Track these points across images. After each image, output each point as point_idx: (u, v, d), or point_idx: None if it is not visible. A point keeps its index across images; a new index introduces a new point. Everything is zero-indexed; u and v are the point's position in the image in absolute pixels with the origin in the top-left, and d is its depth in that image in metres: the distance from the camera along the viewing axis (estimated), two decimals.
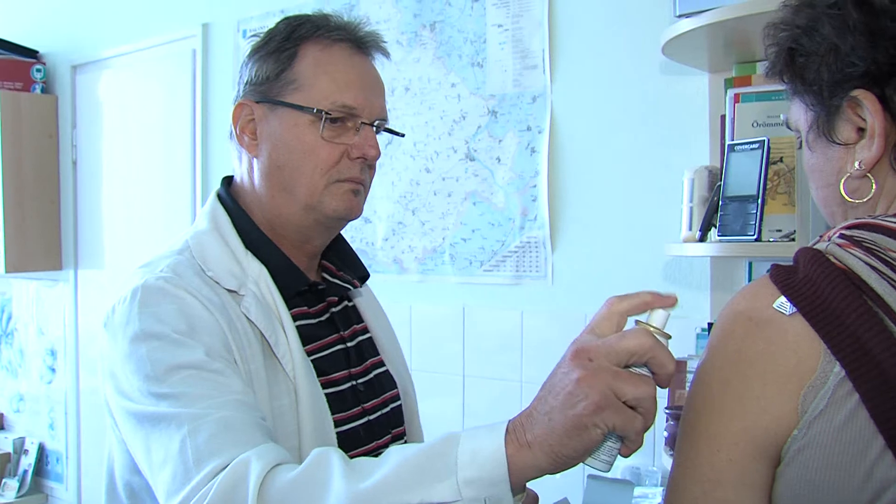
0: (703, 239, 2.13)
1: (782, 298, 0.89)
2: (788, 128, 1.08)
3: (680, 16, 2.10)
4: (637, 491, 2.39)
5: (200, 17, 3.76)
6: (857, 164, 0.96)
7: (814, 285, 0.88)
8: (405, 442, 1.48)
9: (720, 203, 2.04)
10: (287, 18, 1.41)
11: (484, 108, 2.85)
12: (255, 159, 1.38)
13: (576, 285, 2.67)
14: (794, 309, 0.88)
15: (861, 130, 0.96)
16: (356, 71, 1.38)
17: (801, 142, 1.05)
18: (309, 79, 1.34)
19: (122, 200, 4.17)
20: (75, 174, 4.41)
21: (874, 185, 0.96)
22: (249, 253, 1.36)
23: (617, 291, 2.39)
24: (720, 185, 2.07)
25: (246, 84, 1.39)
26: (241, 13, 3.57)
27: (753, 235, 1.93)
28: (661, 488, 2.36)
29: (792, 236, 1.89)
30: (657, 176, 2.48)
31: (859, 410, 0.83)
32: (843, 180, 0.98)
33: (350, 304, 1.54)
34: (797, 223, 1.85)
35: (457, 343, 2.92)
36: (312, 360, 1.36)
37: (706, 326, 2.28)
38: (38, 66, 4.45)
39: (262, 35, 1.41)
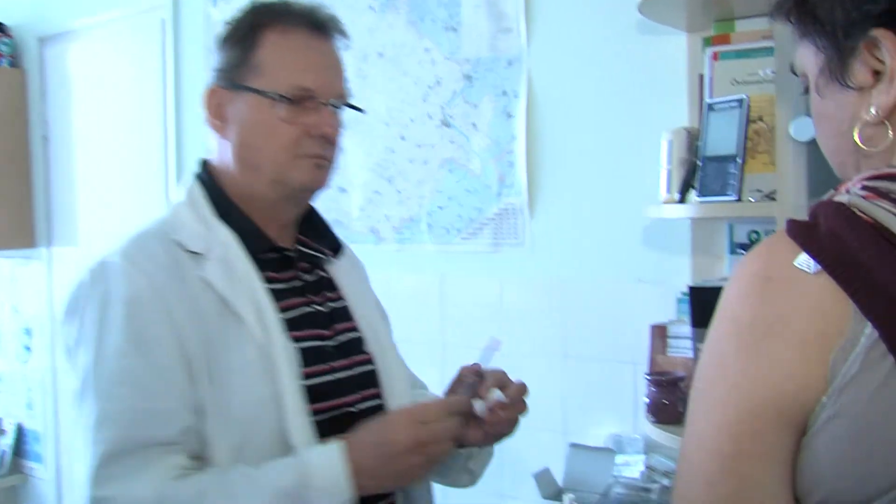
0: (682, 201, 2.09)
1: (804, 255, 0.82)
2: (794, 73, 1.01)
3: None
4: (619, 459, 2.37)
5: None
6: (872, 110, 0.89)
7: (839, 240, 0.81)
8: (380, 403, 1.55)
9: (699, 163, 2.00)
10: (251, 5, 1.52)
11: (459, 73, 2.79)
12: (226, 140, 1.50)
13: (555, 252, 2.63)
14: (819, 266, 0.81)
15: (877, 74, 0.89)
16: (314, 54, 1.49)
17: (806, 87, 0.98)
18: (269, 64, 1.46)
19: (96, 176, 4.10)
20: (46, 150, 4.33)
21: (891, 132, 0.90)
22: (220, 220, 1.47)
23: (596, 257, 2.38)
24: (699, 146, 2.03)
25: (215, 70, 1.51)
26: None
27: (734, 196, 1.89)
28: (643, 456, 2.34)
29: (773, 196, 1.85)
30: (636, 138, 2.44)
31: (894, 375, 0.77)
32: (857, 128, 0.91)
33: (325, 274, 1.60)
34: (778, 182, 1.81)
35: (435, 312, 2.88)
36: (284, 318, 1.44)
37: (686, 290, 2.24)
38: (4, 40, 4.35)
39: (228, 23, 1.53)
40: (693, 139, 2.11)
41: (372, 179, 3.00)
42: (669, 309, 2.31)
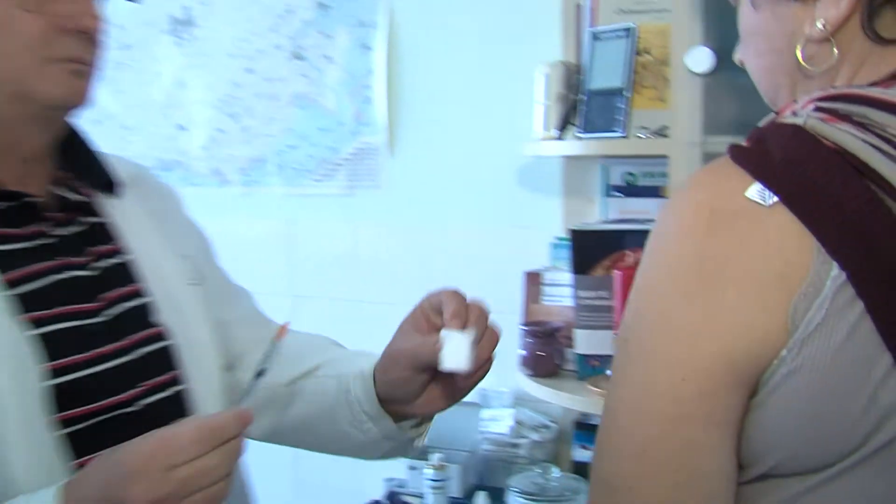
0: (561, 138, 1.96)
1: (757, 185, 0.71)
2: None
3: None
4: (485, 413, 2.26)
5: None
6: (818, 25, 0.79)
7: (799, 168, 0.71)
8: (177, 391, 1.14)
9: (582, 98, 1.86)
10: None
11: (311, 1, 2.57)
12: None
13: (416, 194, 2.47)
14: (775, 197, 0.70)
15: None
16: None
17: None
18: None
19: None
20: None
21: (836, 50, 0.79)
22: None
23: (463, 200, 2.18)
24: (580, 79, 1.90)
25: None
26: None
27: (621, 131, 1.77)
28: (512, 410, 2.22)
29: (663, 132, 1.73)
30: (506, 73, 2.29)
31: (863, 322, 0.68)
32: (799, 44, 0.80)
33: (101, 220, 1.18)
34: (671, 118, 1.69)
35: (284, 261, 2.69)
36: (14, 294, 1.03)
37: (561, 235, 2.12)
38: None
39: None
40: (571, 73, 1.97)
41: (215, 116, 2.74)
42: (541, 256, 2.19)
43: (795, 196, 0.70)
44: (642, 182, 2.08)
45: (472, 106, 2.37)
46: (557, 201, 2.23)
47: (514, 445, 2.18)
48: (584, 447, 2.15)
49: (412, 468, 2.20)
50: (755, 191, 0.71)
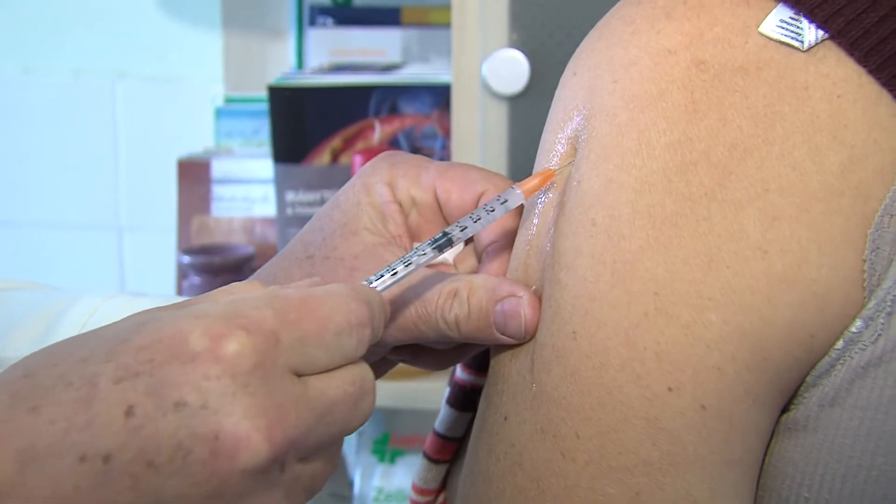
0: None
1: (782, 10, 0.43)
2: None
3: None
4: None
5: None
6: None
7: None
8: None
9: None
10: None
11: None
12: None
13: None
14: (821, 32, 0.43)
15: None
16: None
17: None
18: None
19: None
20: None
21: None
22: None
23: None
24: None
25: None
26: None
27: None
28: None
29: None
30: None
31: None
32: None
33: None
34: None
35: None
36: None
37: (231, 96, 1.40)
38: None
39: None
40: None
41: None
42: (199, 130, 1.43)
43: (862, 29, 0.44)
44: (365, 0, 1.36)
45: None
46: (215, 37, 1.48)
47: None
48: None
49: None
50: (778, 21, 0.45)
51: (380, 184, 0.51)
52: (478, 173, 0.52)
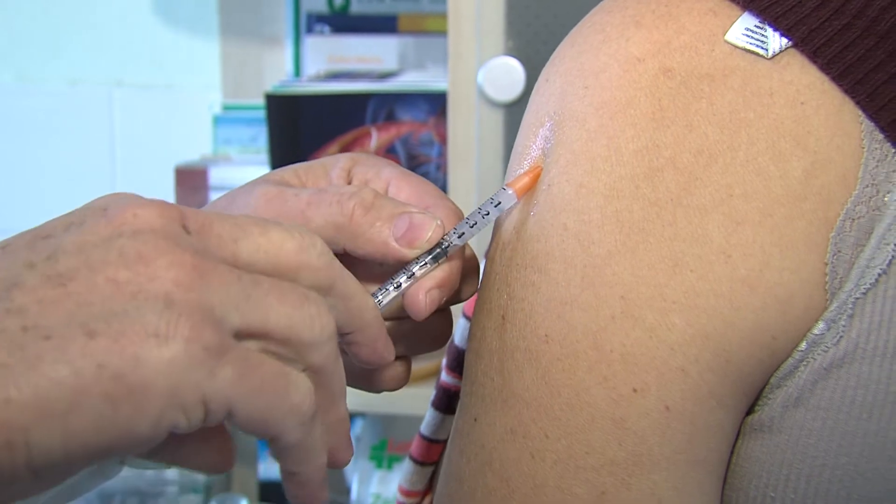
0: None
1: (748, 19, 0.45)
2: None
3: None
4: None
5: None
6: None
7: None
8: None
9: None
10: None
11: None
12: None
13: None
14: (785, 40, 0.45)
15: None
16: None
17: None
18: None
19: None
20: None
21: None
22: None
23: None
24: None
25: None
26: None
27: None
28: None
29: None
30: None
31: None
32: None
33: None
34: None
35: None
36: None
37: (229, 104, 1.41)
38: None
39: None
40: None
41: None
42: (197, 137, 1.45)
43: (825, 37, 0.46)
44: (362, 8, 1.36)
45: None
46: (212, 44, 1.50)
47: None
48: None
49: None
50: (743, 29, 0.46)
51: (338, 167, 0.50)
52: (434, 189, 0.52)
